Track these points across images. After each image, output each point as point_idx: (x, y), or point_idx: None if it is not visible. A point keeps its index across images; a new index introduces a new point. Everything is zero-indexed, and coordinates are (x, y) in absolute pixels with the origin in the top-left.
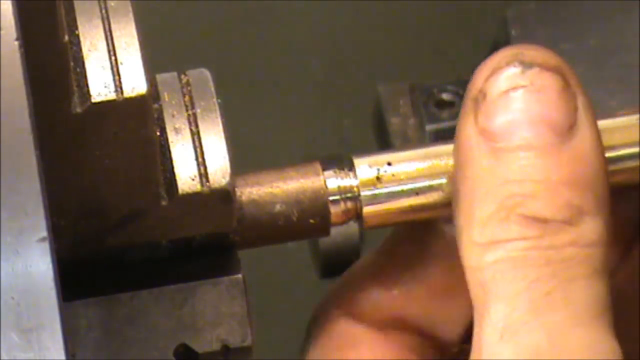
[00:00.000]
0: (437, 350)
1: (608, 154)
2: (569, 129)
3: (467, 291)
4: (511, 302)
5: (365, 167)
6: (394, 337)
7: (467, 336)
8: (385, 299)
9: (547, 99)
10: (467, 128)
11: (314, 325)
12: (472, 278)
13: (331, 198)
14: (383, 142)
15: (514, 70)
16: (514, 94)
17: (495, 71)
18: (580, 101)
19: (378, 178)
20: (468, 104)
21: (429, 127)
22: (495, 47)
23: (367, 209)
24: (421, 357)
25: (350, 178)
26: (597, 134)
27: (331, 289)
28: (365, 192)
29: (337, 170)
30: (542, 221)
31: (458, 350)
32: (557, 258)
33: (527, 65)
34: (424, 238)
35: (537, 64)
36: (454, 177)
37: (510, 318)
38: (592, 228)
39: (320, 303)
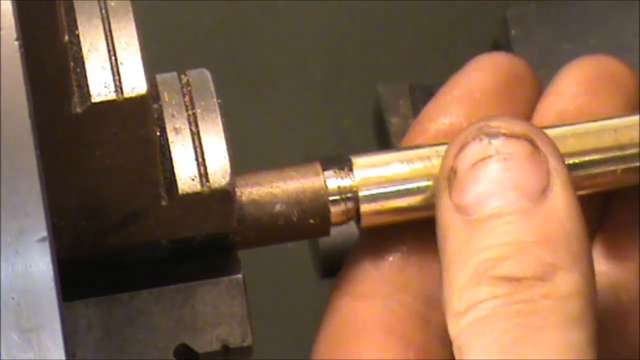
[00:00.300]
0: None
1: (608, 154)
2: (542, 192)
3: None
4: (481, 354)
5: (364, 167)
6: (396, 306)
7: None
8: (381, 267)
9: (515, 165)
10: (443, 206)
11: (324, 313)
12: (454, 347)
13: (331, 198)
14: (383, 142)
15: (480, 144)
16: (482, 166)
17: (463, 147)
18: (553, 163)
19: (376, 178)
20: (441, 183)
21: None
22: (495, 47)
23: (364, 209)
24: (426, 321)
25: (350, 178)
26: (572, 194)
27: (337, 276)
28: (363, 192)
29: (337, 170)
30: (513, 280)
31: None
32: (528, 310)
33: (492, 135)
34: None
35: (502, 134)
36: (439, 256)
37: None
38: (567, 281)
39: (330, 292)
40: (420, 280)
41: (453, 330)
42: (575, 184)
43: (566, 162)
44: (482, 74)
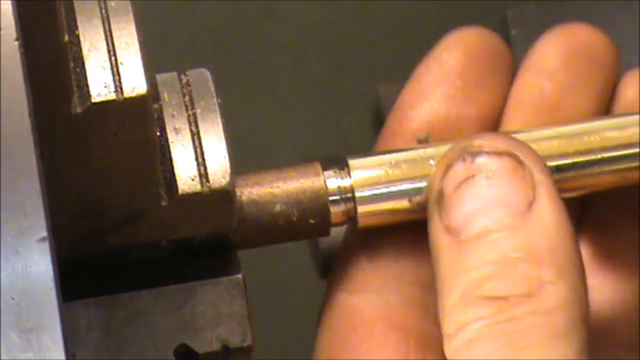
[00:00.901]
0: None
1: (608, 154)
2: (528, 206)
3: None
4: None
5: (360, 168)
6: (392, 296)
7: None
8: (374, 259)
9: (499, 182)
10: (434, 229)
11: (321, 311)
12: None
13: (331, 198)
14: None
15: (463, 164)
16: (467, 185)
17: (448, 168)
18: (538, 177)
19: (372, 179)
20: (431, 206)
21: None
22: None
23: (361, 210)
24: (424, 308)
25: (349, 178)
26: (558, 204)
27: (331, 272)
28: (359, 193)
29: (337, 171)
30: (500, 299)
31: None
32: (514, 329)
33: (475, 154)
34: None
35: (485, 152)
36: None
37: None
38: (554, 294)
39: (325, 289)
40: (414, 269)
41: (446, 352)
42: (571, 186)
43: (562, 163)
44: (455, 54)
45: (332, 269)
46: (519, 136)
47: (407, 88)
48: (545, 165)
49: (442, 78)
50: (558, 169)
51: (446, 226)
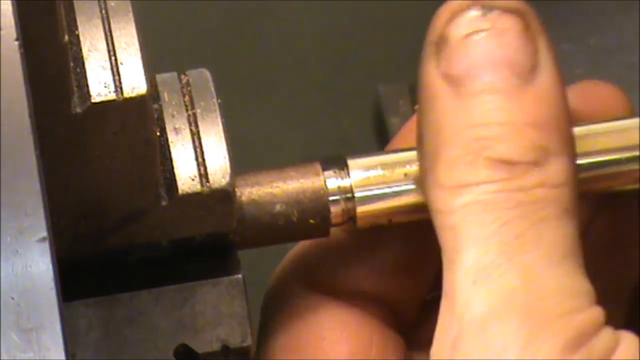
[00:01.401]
0: (397, 318)
1: (608, 157)
2: (531, 70)
3: (426, 267)
4: (483, 246)
5: (359, 169)
6: (354, 305)
7: (429, 305)
8: (344, 270)
9: (508, 41)
10: (430, 73)
11: (272, 299)
12: (441, 222)
13: (331, 198)
14: (383, 142)
15: (474, 14)
16: (476, 38)
17: (455, 15)
18: (541, 42)
19: (371, 179)
20: (429, 49)
21: None
22: None
23: (360, 211)
24: (382, 323)
25: (349, 178)
26: (559, 74)
27: (286, 260)
28: (358, 194)
29: (337, 171)
30: (509, 163)
31: (430, 298)
32: (527, 200)
33: (487, 8)
34: None
35: (498, 7)
36: (418, 123)
37: (483, 262)
38: (559, 168)
39: (275, 277)
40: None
41: (442, 204)
42: (592, 182)
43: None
44: None
45: (286, 257)
46: None
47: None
48: (546, 32)
49: None
50: None
51: (445, 73)
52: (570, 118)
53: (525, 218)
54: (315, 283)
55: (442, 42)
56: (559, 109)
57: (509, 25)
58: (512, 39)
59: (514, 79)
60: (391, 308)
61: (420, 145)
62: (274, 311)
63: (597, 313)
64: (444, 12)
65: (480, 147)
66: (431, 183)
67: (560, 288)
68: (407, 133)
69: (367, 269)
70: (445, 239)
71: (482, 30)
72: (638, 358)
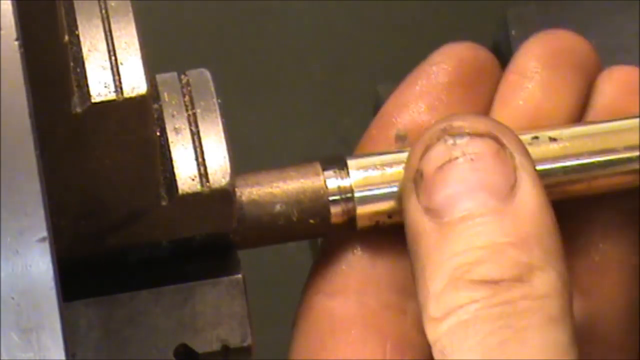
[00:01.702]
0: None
1: (608, 157)
2: (510, 189)
3: None
4: (466, 356)
5: (359, 169)
6: (370, 300)
7: None
8: (352, 262)
9: (482, 166)
10: (412, 209)
11: (297, 313)
12: (434, 352)
13: (331, 198)
14: None
15: (444, 145)
16: (449, 168)
17: (427, 148)
18: (519, 160)
19: (371, 179)
20: (408, 185)
21: None
22: (495, 47)
23: (360, 211)
24: (402, 311)
25: (349, 178)
26: (541, 189)
27: (309, 275)
28: (359, 193)
29: (337, 171)
30: (492, 282)
31: None
32: (510, 311)
33: (457, 136)
34: None
35: (467, 133)
36: (410, 259)
37: None
38: (544, 281)
39: (302, 291)
40: (392, 272)
41: (432, 335)
42: (592, 183)
43: (567, 165)
44: (444, 67)
45: (309, 273)
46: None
47: (392, 96)
48: (525, 147)
49: (428, 90)
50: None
51: (426, 207)
52: (556, 229)
53: (509, 327)
54: (331, 291)
55: (418, 177)
56: (541, 224)
57: (480, 149)
58: (486, 163)
59: (492, 201)
60: (406, 289)
61: (413, 279)
62: (297, 323)
63: None
64: (417, 147)
65: (462, 272)
66: (425, 317)
67: None
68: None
69: (377, 257)
70: None
71: (454, 159)
72: None
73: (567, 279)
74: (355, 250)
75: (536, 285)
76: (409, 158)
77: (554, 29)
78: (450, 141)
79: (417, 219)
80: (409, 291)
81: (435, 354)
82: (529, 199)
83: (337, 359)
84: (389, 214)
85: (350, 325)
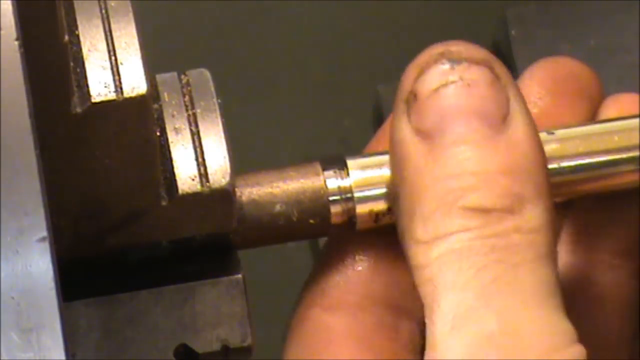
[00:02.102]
0: (413, 320)
1: (608, 157)
2: (503, 120)
3: None
4: (460, 292)
5: (359, 169)
6: (365, 317)
7: None
8: (350, 278)
9: (478, 92)
10: (401, 130)
11: (291, 324)
12: (420, 276)
13: (331, 198)
14: None
15: (442, 68)
16: (445, 91)
17: (423, 70)
18: (512, 92)
19: (370, 180)
20: (400, 106)
21: None
22: (495, 47)
23: (360, 211)
24: (395, 331)
25: (349, 178)
26: (532, 122)
27: (304, 286)
28: (359, 193)
29: (337, 171)
30: (484, 211)
31: None
32: (502, 245)
33: (455, 60)
34: None
35: (465, 59)
36: (393, 180)
37: (460, 307)
38: (534, 215)
39: (296, 302)
40: (389, 290)
41: (420, 259)
42: (592, 183)
43: (567, 165)
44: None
45: (305, 283)
46: None
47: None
48: (515, 83)
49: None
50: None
51: (416, 128)
52: (545, 165)
53: (501, 262)
54: (326, 303)
55: (411, 98)
56: (533, 157)
57: (477, 76)
58: (482, 90)
59: (486, 129)
60: (404, 306)
61: (395, 204)
62: (291, 336)
63: (578, 351)
64: (411, 69)
65: (454, 197)
66: (408, 240)
67: (538, 329)
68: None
69: (373, 269)
70: (425, 291)
71: (451, 83)
72: None
73: (554, 216)
74: (354, 265)
75: (527, 218)
76: (402, 79)
77: (555, 56)
78: (448, 65)
79: (407, 139)
80: (402, 310)
81: (421, 279)
82: (521, 131)
83: None
84: (389, 214)
85: (344, 341)
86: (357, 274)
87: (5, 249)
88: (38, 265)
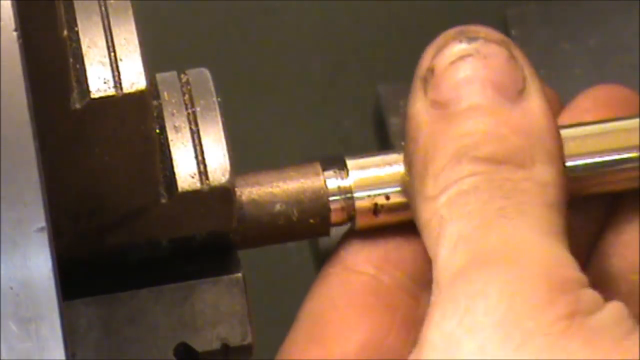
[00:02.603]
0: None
1: (608, 157)
2: (518, 94)
3: None
4: (465, 219)
5: (358, 169)
6: (385, 278)
7: None
8: (371, 243)
9: (494, 64)
10: (417, 103)
11: (315, 281)
12: (428, 229)
13: (331, 198)
14: (383, 142)
15: (459, 45)
16: (461, 63)
17: (441, 48)
18: (528, 71)
19: (370, 179)
20: (417, 83)
21: None
22: None
23: (359, 211)
24: (415, 299)
25: (349, 178)
26: (546, 102)
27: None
28: (358, 193)
29: (337, 171)
30: (495, 161)
31: None
32: (511, 186)
33: (472, 38)
34: None
35: (482, 37)
36: (407, 152)
37: (464, 230)
38: (544, 171)
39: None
40: (413, 260)
41: (428, 211)
42: (592, 183)
43: (567, 165)
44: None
45: (332, 250)
46: None
47: None
48: (533, 66)
49: None
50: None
51: (433, 100)
52: (559, 138)
53: (509, 198)
54: (348, 266)
55: (429, 75)
56: (547, 126)
57: (494, 51)
58: (498, 62)
59: (500, 99)
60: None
61: (409, 172)
62: (312, 288)
63: (582, 277)
64: (430, 49)
65: (466, 150)
66: (419, 199)
67: (540, 250)
68: None
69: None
70: (430, 230)
71: (467, 55)
72: (624, 319)
73: (566, 180)
74: (380, 235)
75: (537, 173)
76: (421, 59)
77: (608, 84)
78: (465, 42)
79: (422, 110)
80: (425, 283)
81: (429, 231)
82: (536, 105)
83: (347, 323)
84: (388, 214)
85: (364, 295)
86: (384, 242)
87: (4, 239)
88: (37, 255)
